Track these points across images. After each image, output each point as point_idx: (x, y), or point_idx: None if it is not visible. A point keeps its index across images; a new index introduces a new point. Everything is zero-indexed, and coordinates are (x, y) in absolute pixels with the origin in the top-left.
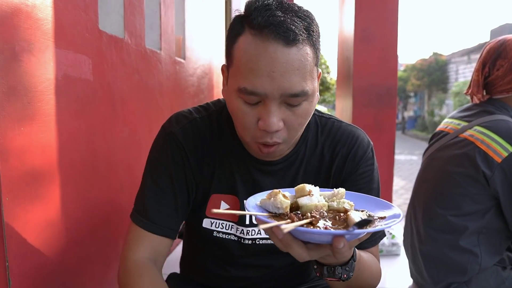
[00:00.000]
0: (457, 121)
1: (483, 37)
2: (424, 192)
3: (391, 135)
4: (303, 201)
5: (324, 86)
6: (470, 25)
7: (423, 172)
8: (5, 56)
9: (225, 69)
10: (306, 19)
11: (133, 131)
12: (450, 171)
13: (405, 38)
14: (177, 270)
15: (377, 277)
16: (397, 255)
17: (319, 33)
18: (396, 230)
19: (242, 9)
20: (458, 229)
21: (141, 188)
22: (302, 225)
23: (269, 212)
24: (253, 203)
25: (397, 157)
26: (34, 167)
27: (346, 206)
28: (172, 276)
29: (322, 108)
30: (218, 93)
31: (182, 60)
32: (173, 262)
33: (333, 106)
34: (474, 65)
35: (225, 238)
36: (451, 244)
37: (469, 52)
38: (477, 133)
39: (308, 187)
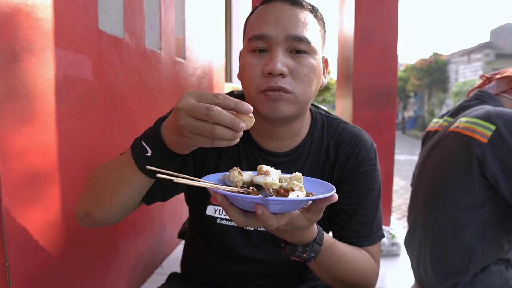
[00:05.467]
0: (444, 118)
1: (483, 37)
2: (422, 191)
3: (391, 135)
4: (257, 179)
5: (324, 86)
6: (470, 25)
7: (419, 172)
8: (5, 56)
9: (241, 52)
10: (312, 5)
11: (133, 131)
12: (445, 165)
13: (405, 38)
14: (178, 270)
15: (368, 275)
16: (397, 255)
17: (323, 18)
18: (396, 230)
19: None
20: (460, 225)
21: None
22: (234, 192)
23: (226, 185)
24: (216, 177)
25: (397, 157)
26: (34, 167)
27: (295, 187)
28: (172, 275)
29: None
30: None
31: (182, 60)
32: (173, 262)
33: (333, 106)
34: (474, 65)
35: (228, 224)
36: (453, 241)
37: (469, 52)
38: (461, 123)
39: (266, 167)
